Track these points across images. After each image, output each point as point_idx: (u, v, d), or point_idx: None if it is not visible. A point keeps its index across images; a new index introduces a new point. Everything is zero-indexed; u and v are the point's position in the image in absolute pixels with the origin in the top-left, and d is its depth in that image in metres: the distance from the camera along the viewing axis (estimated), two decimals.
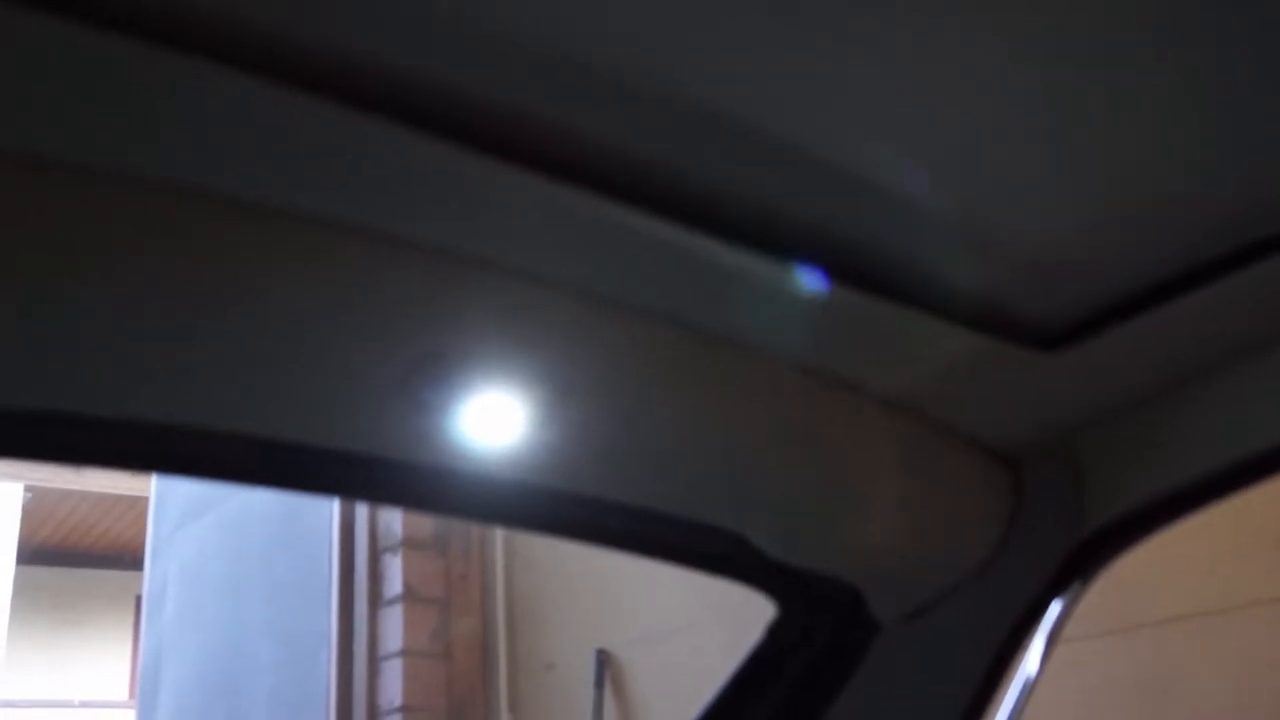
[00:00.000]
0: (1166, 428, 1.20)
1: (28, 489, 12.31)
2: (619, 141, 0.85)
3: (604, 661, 4.11)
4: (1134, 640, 2.75)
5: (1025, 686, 1.38)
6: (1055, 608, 1.31)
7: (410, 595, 4.46)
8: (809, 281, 0.98)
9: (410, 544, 4.53)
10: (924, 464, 1.22)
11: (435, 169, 0.81)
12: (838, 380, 1.11)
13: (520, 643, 4.47)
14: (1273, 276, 1.03)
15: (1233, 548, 2.58)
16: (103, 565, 14.34)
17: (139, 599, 7.27)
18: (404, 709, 4.33)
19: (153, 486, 6.48)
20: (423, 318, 0.90)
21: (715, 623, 3.52)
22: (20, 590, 12.51)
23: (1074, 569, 1.28)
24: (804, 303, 1.01)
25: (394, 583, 4.51)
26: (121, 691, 13.92)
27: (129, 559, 12.22)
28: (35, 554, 13.39)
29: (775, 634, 1.33)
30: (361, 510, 4.69)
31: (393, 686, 4.40)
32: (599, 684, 4.07)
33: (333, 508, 4.72)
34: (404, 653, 4.40)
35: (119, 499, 12.40)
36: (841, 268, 0.98)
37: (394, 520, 4.59)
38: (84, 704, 13.05)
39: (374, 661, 4.49)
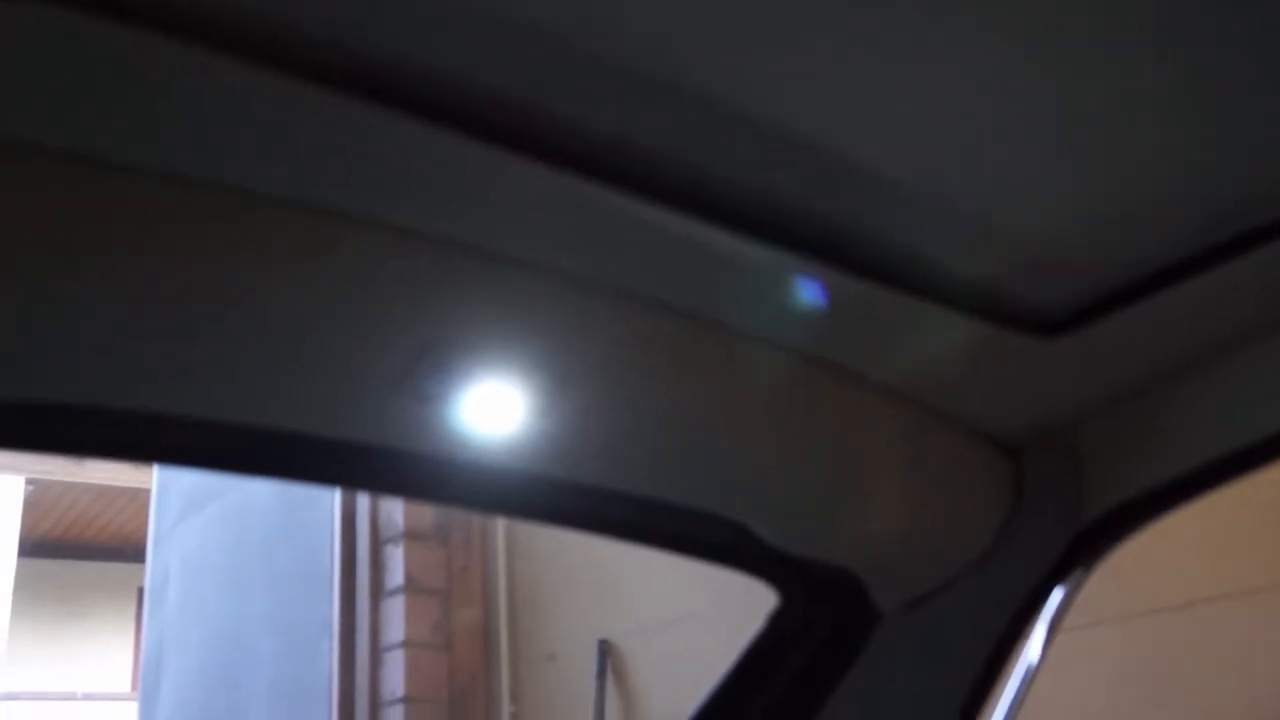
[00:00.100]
0: (1166, 416, 1.20)
1: (29, 481, 12.31)
2: (619, 131, 0.85)
3: (606, 651, 4.11)
4: (1132, 628, 2.75)
5: (1026, 675, 1.38)
6: (1056, 596, 1.31)
7: (412, 586, 4.47)
8: (810, 270, 0.98)
9: (412, 535, 4.54)
10: (925, 453, 1.22)
11: (434, 159, 0.81)
12: (839, 369, 1.11)
13: (522, 633, 4.48)
14: (1271, 264, 1.03)
15: (1230, 535, 2.58)
16: (104, 558, 14.35)
17: (141, 591, 7.28)
18: (406, 700, 4.34)
19: (154, 479, 6.48)
20: (423, 308, 0.90)
21: (717, 612, 3.52)
22: (22, 583, 12.51)
23: (1074, 557, 1.28)
24: (805, 292, 1.01)
25: (396, 574, 4.51)
26: (124, 684, 13.93)
27: (131, 551, 12.22)
28: (37, 546, 13.39)
29: (776, 623, 1.33)
30: (363, 501, 4.69)
31: (395, 677, 4.40)
32: (601, 674, 4.07)
33: (334, 499, 4.72)
34: (406, 643, 4.40)
35: (120, 491, 12.40)
36: (842, 256, 0.98)
37: (395, 511, 4.59)
38: (86, 696, 13.06)
39: (376, 652, 4.49)
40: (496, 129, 0.81)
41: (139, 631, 10.79)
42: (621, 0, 0.75)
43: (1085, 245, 1.02)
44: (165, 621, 5.80)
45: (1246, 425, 1.16)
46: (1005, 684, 1.36)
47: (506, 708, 4.41)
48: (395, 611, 4.47)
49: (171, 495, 6.04)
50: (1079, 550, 1.28)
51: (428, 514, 4.58)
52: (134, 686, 11.32)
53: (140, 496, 10.00)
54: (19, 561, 12.35)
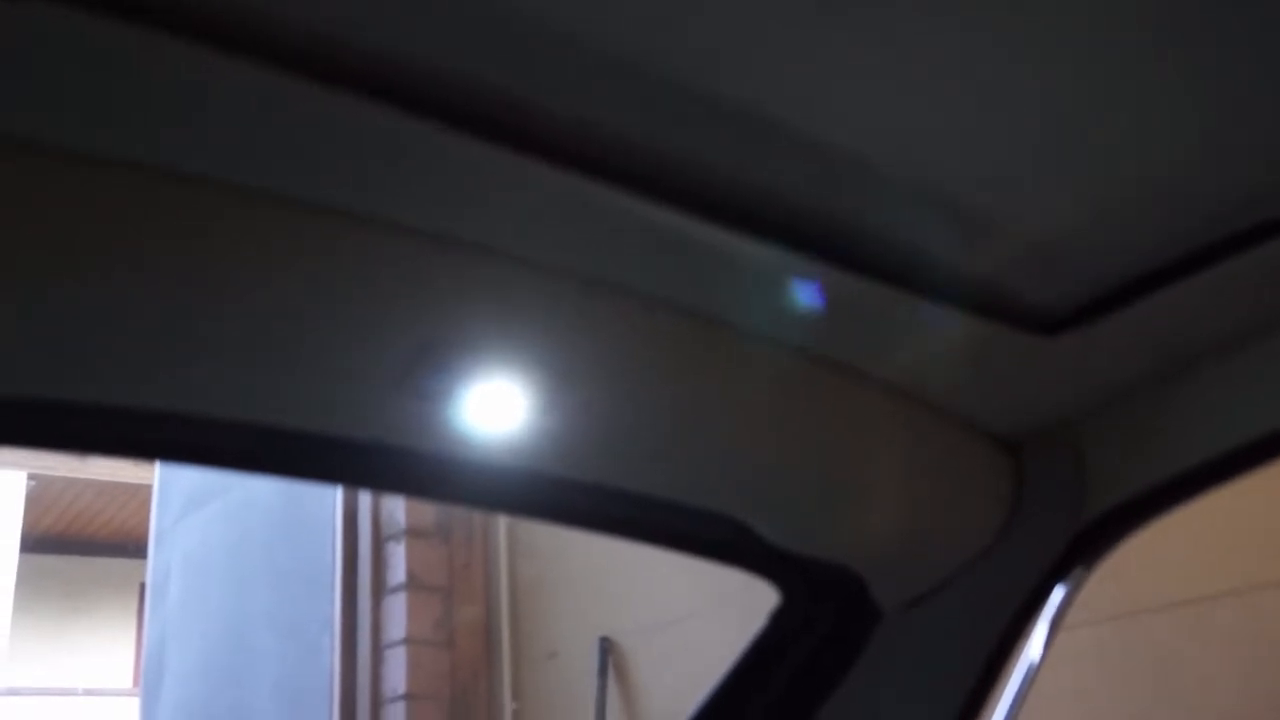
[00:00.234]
0: (1168, 413, 1.20)
1: (31, 477, 12.32)
2: (620, 128, 0.85)
3: (607, 649, 4.11)
4: (1133, 626, 2.75)
5: (1028, 673, 1.38)
6: (1057, 594, 1.31)
7: (414, 583, 4.47)
8: (811, 269, 0.98)
9: (413, 532, 4.54)
10: (925, 450, 1.22)
11: (435, 158, 0.81)
12: (840, 366, 1.11)
13: (523, 631, 4.48)
14: (1271, 261, 1.03)
15: (1232, 532, 2.58)
16: (106, 553, 14.35)
17: (143, 587, 7.28)
18: (407, 697, 4.34)
19: (156, 475, 6.48)
20: (424, 306, 0.90)
21: (718, 610, 3.52)
22: (24, 578, 12.52)
23: (1076, 555, 1.28)
24: (806, 290, 1.01)
25: (397, 571, 4.51)
26: (125, 680, 13.94)
27: (133, 547, 12.22)
28: (39, 542, 13.40)
29: (778, 621, 1.33)
30: (365, 499, 4.69)
31: (396, 674, 4.40)
32: (602, 672, 4.07)
33: (336, 496, 4.72)
34: (407, 641, 4.40)
35: (122, 487, 12.41)
36: (844, 255, 0.98)
37: (397, 509, 4.59)
38: (88, 692, 13.07)
39: (377, 650, 4.49)
40: (497, 127, 0.81)
41: (141, 627, 10.80)
42: (624, 1, 0.75)
43: (1086, 243, 1.02)
44: (167, 618, 5.80)
45: (1247, 423, 1.16)
46: (1006, 682, 1.36)
47: (508, 705, 4.41)
48: (397, 609, 4.47)
49: (173, 492, 6.04)
50: (1080, 548, 1.28)
51: (429, 511, 4.58)
52: (136, 682, 11.33)
53: (142, 492, 10.01)
54: (21, 557, 12.36)
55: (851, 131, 0.89)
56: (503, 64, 0.78)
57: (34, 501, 12.63)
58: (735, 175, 0.91)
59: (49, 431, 0.95)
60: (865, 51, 0.81)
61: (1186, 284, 1.05)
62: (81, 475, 12.26)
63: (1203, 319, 1.11)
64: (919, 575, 1.28)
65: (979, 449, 1.25)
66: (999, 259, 1.03)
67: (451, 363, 0.92)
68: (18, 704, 12.42)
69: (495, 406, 0.97)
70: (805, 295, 1.01)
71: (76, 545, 14.33)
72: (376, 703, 4.44)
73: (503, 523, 4.61)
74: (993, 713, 1.36)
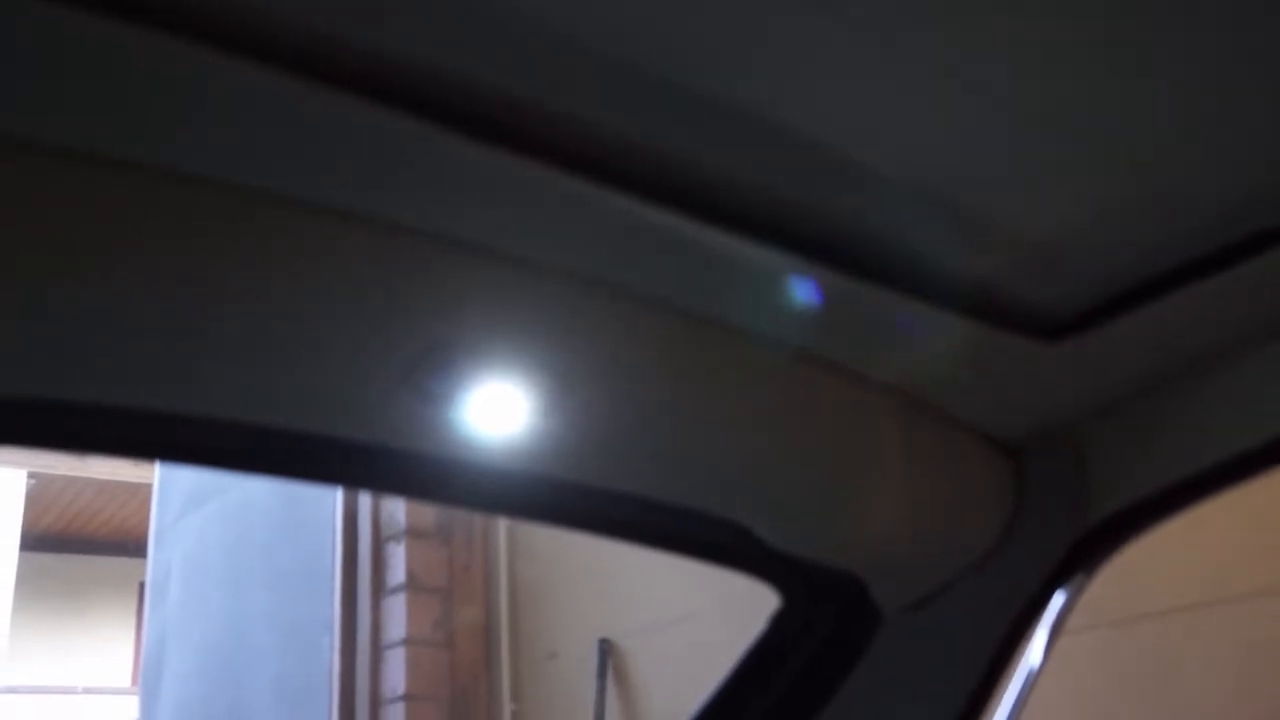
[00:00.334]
0: (1170, 419, 1.20)
1: (31, 475, 12.33)
2: (625, 132, 0.84)
3: (607, 651, 4.11)
4: (1134, 631, 2.75)
5: (1028, 678, 1.38)
6: (1058, 599, 1.31)
7: (413, 584, 4.47)
8: (814, 272, 0.98)
9: (413, 533, 4.54)
10: (927, 454, 1.22)
11: (440, 158, 0.81)
12: (841, 369, 1.11)
13: (523, 632, 4.48)
14: (1274, 266, 1.03)
15: (1233, 538, 2.57)
16: (106, 552, 14.36)
17: (142, 586, 7.29)
18: (407, 698, 4.34)
19: (156, 474, 6.49)
20: (427, 308, 0.89)
21: (718, 613, 3.51)
22: (24, 577, 12.53)
23: (1077, 560, 1.28)
24: (808, 292, 1.01)
25: (397, 572, 4.51)
26: (124, 678, 13.95)
27: (132, 546, 12.23)
28: (39, 540, 13.41)
29: (778, 624, 1.33)
30: (365, 499, 4.69)
31: (396, 675, 4.40)
32: (601, 673, 4.07)
33: (336, 496, 4.72)
34: (407, 641, 4.40)
35: (122, 486, 12.42)
36: (846, 256, 0.98)
37: (397, 509, 4.59)
38: (87, 691, 13.08)
39: (377, 650, 4.49)
40: (497, 128, 0.81)
41: (140, 627, 10.81)
42: (623, 1, 0.74)
43: (1088, 248, 1.02)
44: (167, 617, 5.81)
45: (1249, 429, 1.16)
46: (1007, 687, 1.36)
47: (507, 706, 4.41)
48: (397, 609, 4.47)
49: (173, 491, 6.05)
50: (1081, 553, 1.28)
51: (430, 512, 4.58)
52: (135, 681, 11.33)
53: (142, 491, 10.02)
54: (21, 556, 12.37)
55: (852, 133, 0.88)
56: (503, 64, 0.78)
57: (34, 500, 12.64)
58: (737, 177, 0.91)
59: (49, 431, 0.94)
60: (865, 53, 0.81)
61: (1189, 289, 1.05)
62: (81, 474, 12.27)
63: (1205, 324, 1.11)
64: (920, 579, 1.28)
65: (980, 453, 1.25)
66: (1001, 263, 1.03)
67: (455, 364, 0.92)
68: (17, 702, 12.43)
69: (498, 408, 0.97)
70: (807, 298, 1.01)
71: (76, 544, 14.34)
72: (376, 703, 4.44)
73: (503, 524, 4.61)
74: (993, 717, 1.36)
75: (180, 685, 5.54)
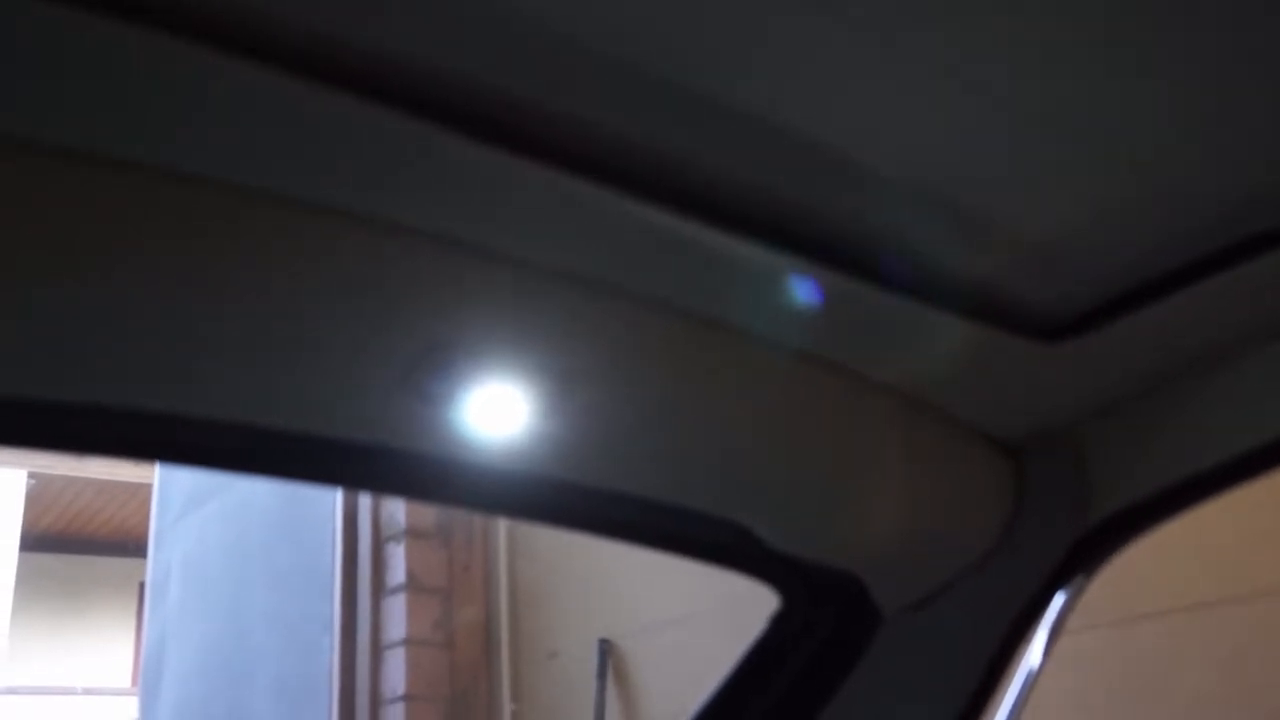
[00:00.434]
0: (1170, 419, 1.20)
1: (31, 475, 12.33)
2: (625, 132, 0.84)
3: (607, 651, 4.11)
4: (1131, 632, 2.75)
5: (1028, 678, 1.38)
6: (1058, 600, 1.31)
7: (413, 584, 4.47)
8: (814, 273, 0.98)
9: (413, 533, 4.54)
10: (927, 455, 1.22)
11: (439, 159, 0.81)
12: (842, 371, 1.11)
13: (523, 632, 4.48)
14: (1275, 267, 1.03)
15: (1231, 539, 2.57)
16: (106, 552, 14.37)
17: (142, 586, 7.29)
18: (407, 698, 4.34)
19: (156, 474, 6.49)
20: (427, 309, 0.89)
21: (718, 613, 3.52)
22: (23, 577, 12.53)
23: (1077, 561, 1.28)
24: (807, 293, 1.01)
25: (397, 572, 4.52)
26: (124, 679, 13.96)
27: (132, 546, 12.24)
28: (39, 541, 13.41)
29: (778, 625, 1.33)
30: (365, 499, 4.69)
31: (396, 675, 4.40)
32: (601, 673, 4.08)
33: (336, 497, 4.73)
34: (407, 641, 4.40)
35: (122, 486, 12.42)
36: (846, 258, 0.98)
37: (397, 510, 4.60)
38: (87, 691, 13.08)
39: (377, 650, 4.50)
40: (497, 128, 0.81)
41: (140, 627, 10.81)
42: (624, 2, 0.74)
43: (1088, 248, 1.02)
44: (167, 617, 5.81)
45: (1250, 430, 1.16)
46: (1006, 687, 1.36)
47: (507, 706, 4.41)
48: (396, 609, 4.47)
49: (173, 491, 6.05)
50: (1081, 554, 1.28)
51: (429, 512, 4.59)
52: (135, 682, 11.33)
53: (142, 491, 10.03)
54: (20, 556, 12.37)
55: (852, 133, 0.88)
56: (503, 64, 0.78)
57: (34, 500, 12.65)
58: (737, 177, 0.91)
59: (49, 432, 0.94)
60: (865, 53, 0.81)
61: (1189, 290, 1.05)
62: (81, 474, 12.27)
63: (1205, 325, 1.11)
64: (920, 579, 1.28)
65: (980, 453, 1.25)
66: (1001, 263, 1.03)
67: (454, 365, 0.92)
68: (17, 703, 12.44)
69: (498, 409, 0.97)
70: (807, 298, 1.01)
71: (76, 544, 14.34)
72: (376, 703, 4.44)
73: (503, 524, 4.61)
74: (993, 717, 1.36)
75: (180, 685, 5.54)
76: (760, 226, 0.94)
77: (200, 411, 0.91)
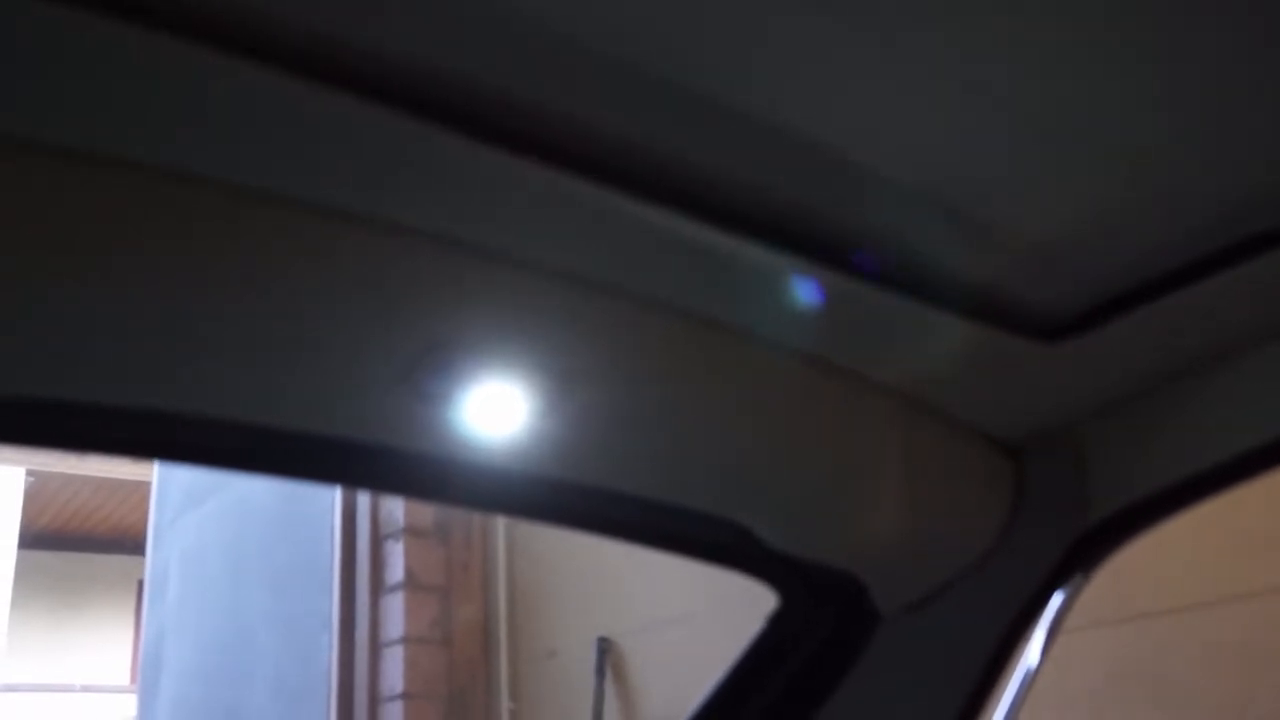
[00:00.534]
0: (1170, 419, 1.20)
1: (29, 473, 12.34)
2: (625, 132, 0.85)
3: (605, 649, 4.12)
4: (1130, 631, 2.75)
5: (1026, 678, 1.38)
6: (1056, 600, 1.31)
7: (412, 582, 4.47)
8: (814, 273, 0.98)
9: (412, 531, 4.54)
10: (926, 455, 1.22)
11: (439, 159, 0.81)
12: (841, 370, 1.11)
13: (521, 630, 4.48)
14: (1276, 268, 1.03)
15: (1230, 539, 2.58)
16: (104, 550, 14.37)
17: (141, 584, 7.29)
18: (405, 696, 4.34)
19: (154, 472, 6.49)
20: (426, 308, 0.90)
21: (716, 612, 3.52)
22: (22, 575, 12.54)
23: (1076, 560, 1.28)
24: (806, 292, 1.01)
25: (396, 570, 4.52)
26: (123, 676, 13.96)
27: (131, 544, 12.25)
28: (37, 538, 13.42)
29: (776, 624, 1.33)
30: (363, 497, 4.69)
31: (394, 673, 4.41)
32: (600, 672, 4.08)
33: (334, 495, 4.73)
34: (405, 639, 4.40)
35: (121, 484, 12.43)
36: (845, 258, 0.98)
37: (396, 508, 4.60)
38: (85, 689, 13.09)
39: (375, 648, 4.50)
40: (497, 128, 0.81)
41: (138, 624, 10.81)
42: (624, 2, 0.75)
43: (1088, 249, 1.02)
44: (165, 615, 5.81)
45: (1249, 429, 1.16)
46: (1005, 687, 1.36)
47: (505, 704, 4.41)
48: (395, 607, 4.47)
49: (172, 489, 6.05)
50: (1080, 553, 1.28)
51: (428, 511, 4.59)
52: (133, 679, 11.34)
53: (141, 489, 10.03)
54: (19, 553, 12.37)
55: (852, 133, 0.89)
56: (503, 64, 0.78)
57: (32, 498, 12.65)
58: (736, 177, 0.91)
59: (49, 431, 0.94)
60: (865, 53, 0.81)
61: (1188, 290, 1.05)
62: (80, 472, 12.28)
63: (1205, 325, 1.11)
64: (918, 579, 1.28)
65: (980, 453, 1.25)
66: (1000, 264, 1.03)
67: (454, 364, 0.92)
68: (15, 700, 12.44)
69: (497, 408, 0.97)
70: (807, 299, 1.01)
71: (74, 542, 14.35)
72: (374, 701, 4.44)
73: (501, 523, 4.61)
74: (991, 717, 1.36)
75: (178, 683, 5.54)
76: (759, 226, 0.94)
77: (200, 410, 0.91)
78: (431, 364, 0.91)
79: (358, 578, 4.61)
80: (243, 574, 5.29)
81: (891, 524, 1.22)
